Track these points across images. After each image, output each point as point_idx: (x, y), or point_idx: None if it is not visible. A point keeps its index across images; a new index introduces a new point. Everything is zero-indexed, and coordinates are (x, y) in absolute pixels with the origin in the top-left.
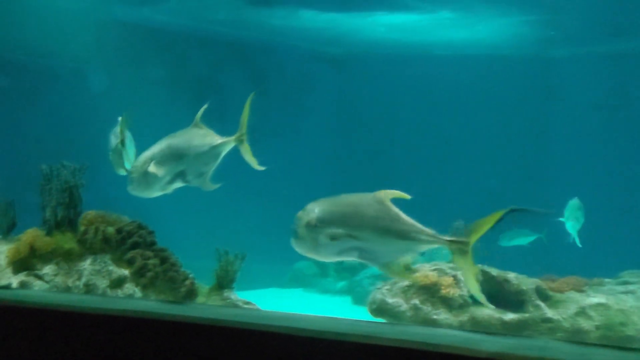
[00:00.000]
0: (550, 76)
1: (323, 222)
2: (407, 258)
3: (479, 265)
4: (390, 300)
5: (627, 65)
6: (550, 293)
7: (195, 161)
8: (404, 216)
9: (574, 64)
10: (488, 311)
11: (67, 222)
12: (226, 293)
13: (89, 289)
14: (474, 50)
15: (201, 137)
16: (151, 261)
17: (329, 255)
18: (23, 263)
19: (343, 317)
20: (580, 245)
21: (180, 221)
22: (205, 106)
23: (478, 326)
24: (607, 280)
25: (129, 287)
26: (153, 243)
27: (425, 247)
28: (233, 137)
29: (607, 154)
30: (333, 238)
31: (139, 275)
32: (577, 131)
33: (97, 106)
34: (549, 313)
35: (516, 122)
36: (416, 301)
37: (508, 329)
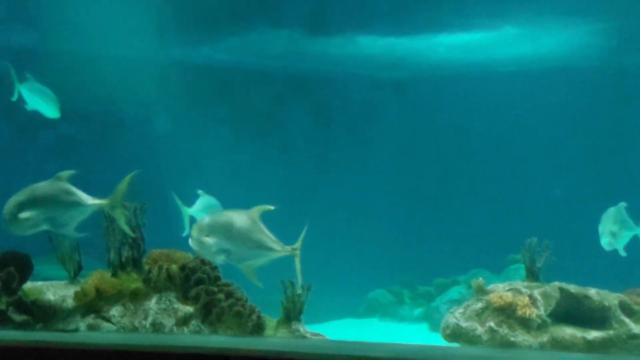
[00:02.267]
0: (622, 85)
1: (205, 230)
2: (479, 279)
3: (557, 283)
4: (464, 324)
5: None
6: (636, 307)
7: (63, 214)
8: (264, 229)
9: None
10: (570, 330)
11: (131, 262)
12: (294, 325)
13: (155, 328)
14: (540, 64)
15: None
16: (217, 297)
17: (208, 255)
18: (90, 306)
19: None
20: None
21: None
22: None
23: (559, 346)
24: None
25: (195, 324)
26: (217, 278)
27: (275, 255)
28: (106, 202)
29: None
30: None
31: (205, 311)
32: None
33: (162, 148)
34: (636, 329)
35: (590, 135)
36: (491, 324)
37: (592, 348)
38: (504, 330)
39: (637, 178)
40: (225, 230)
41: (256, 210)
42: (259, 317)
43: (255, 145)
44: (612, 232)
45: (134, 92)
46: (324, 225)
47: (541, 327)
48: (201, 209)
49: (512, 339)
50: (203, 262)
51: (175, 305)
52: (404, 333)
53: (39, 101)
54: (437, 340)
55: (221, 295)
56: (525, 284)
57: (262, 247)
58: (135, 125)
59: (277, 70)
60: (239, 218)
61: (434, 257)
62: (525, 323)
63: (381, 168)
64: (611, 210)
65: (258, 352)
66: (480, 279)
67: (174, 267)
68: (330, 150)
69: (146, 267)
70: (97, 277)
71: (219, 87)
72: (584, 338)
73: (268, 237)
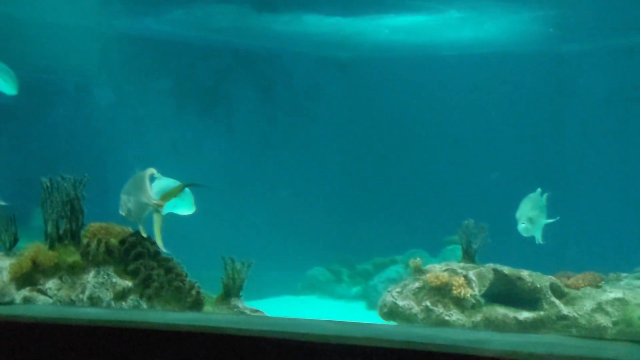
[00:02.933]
0: (560, 72)
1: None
2: (416, 259)
3: (491, 264)
4: (401, 302)
5: (638, 58)
6: (566, 290)
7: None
8: (147, 188)
9: (585, 59)
10: (502, 311)
11: (69, 235)
12: (234, 302)
13: (93, 301)
14: (483, 49)
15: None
16: (155, 271)
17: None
18: (26, 278)
19: (352, 320)
20: (541, 242)
21: (187, 230)
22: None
23: (492, 326)
24: (624, 275)
25: (134, 299)
26: (157, 253)
27: (147, 208)
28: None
29: (621, 148)
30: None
31: (143, 286)
32: (590, 127)
33: (102, 120)
34: (565, 310)
35: (527, 120)
36: (427, 303)
37: (523, 328)
38: (439, 309)
39: (571, 163)
40: (126, 190)
41: (145, 172)
42: (198, 293)
43: (198, 120)
44: (529, 218)
45: (75, 62)
46: (265, 202)
47: (475, 306)
48: (157, 191)
49: (446, 317)
50: (143, 236)
51: (114, 280)
52: (341, 311)
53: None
54: (374, 318)
55: (160, 270)
56: (461, 264)
57: (140, 201)
58: (75, 96)
59: (222, 45)
60: (134, 180)
61: (373, 236)
62: (460, 303)
63: (323, 146)
64: (530, 197)
65: (196, 328)
66: (418, 259)
67: (113, 241)
68: (274, 126)
69: (84, 241)
70: (33, 250)
71: (162, 59)
72: (515, 318)
73: (145, 193)
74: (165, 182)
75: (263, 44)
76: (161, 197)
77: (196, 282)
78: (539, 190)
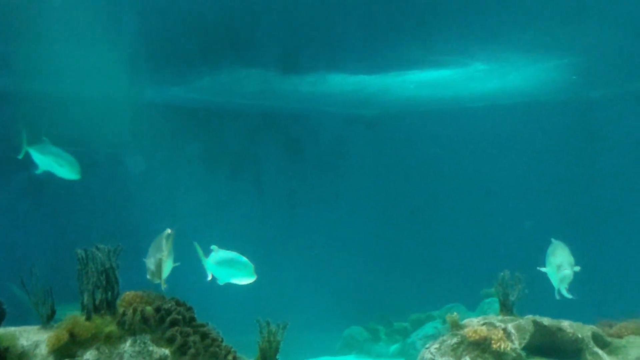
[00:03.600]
0: (588, 118)
1: None
2: (454, 313)
3: (530, 316)
4: (440, 359)
5: None
6: (609, 339)
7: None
8: (163, 246)
9: (613, 104)
10: None
11: (105, 305)
12: None
13: None
14: (509, 99)
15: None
16: (191, 338)
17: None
18: (64, 350)
19: None
20: (569, 296)
21: (221, 294)
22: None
23: None
24: None
25: None
26: (192, 319)
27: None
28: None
29: None
30: None
31: (180, 353)
32: (622, 172)
33: (135, 188)
34: None
35: (557, 167)
36: (467, 358)
37: None
38: None
39: (604, 209)
40: (149, 253)
41: (164, 233)
42: (234, 358)
43: (228, 182)
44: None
45: (106, 133)
46: (298, 262)
47: None
48: (214, 263)
49: None
50: (178, 303)
51: (150, 348)
52: None
53: (52, 164)
54: None
55: (196, 337)
56: (500, 317)
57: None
58: (108, 166)
59: (249, 108)
60: (155, 242)
61: (409, 292)
62: (500, 357)
63: (354, 203)
64: (557, 244)
65: None
66: (455, 313)
67: (149, 309)
68: (303, 185)
69: (120, 310)
70: (70, 321)
71: (191, 125)
72: None
73: (161, 251)
74: (223, 254)
75: (289, 105)
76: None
77: (232, 347)
78: (556, 241)
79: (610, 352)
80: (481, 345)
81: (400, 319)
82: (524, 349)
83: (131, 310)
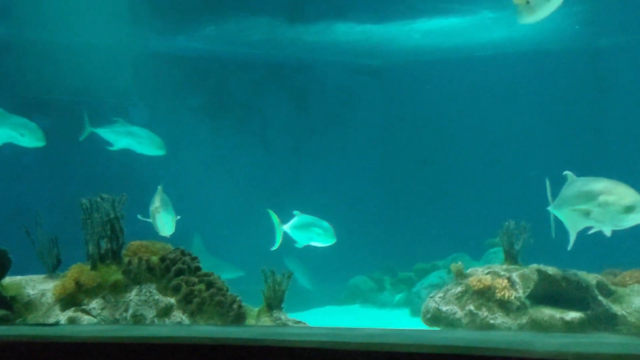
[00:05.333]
0: (596, 67)
1: None
2: (458, 263)
3: (535, 265)
4: (444, 308)
5: None
6: (613, 288)
7: None
8: (156, 199)
9: (620, 53)
10: (548, 312)
11: (110, 254)
12: (276, 314)
13: (136, 319)
14: (516, 48)
15: None
16: (197, 287)
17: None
18: (70, 299)
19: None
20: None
21: (228, 244)
22: None
23: (538, 328)
24: None
25: (177, 315)
26: (198, 269)
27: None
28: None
29: None
30: None
31: (185, 302)
32: (630, 120)
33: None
34: (613, 308)
35: (565, 117)
36: (471, 307)
37: (571, 328)
38: (483, 313)
39: (611, 159)
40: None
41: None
42: (240, 307)
43: (234, 134)
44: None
45: (110, 83)
46: (305, 211)
47: (520, 309)
48: (295, 227)
49: (491, 321)
50: (183, 252)
51: (156, 297)
52: (385, 318)
53: (131, 142)
54: (418, 325)
55: (202, 286)
56: (504, 267)
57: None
58: (111, 116)
59: (254, 58)
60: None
61: (414, 242)
62: (504, 305)
63: (360, 154)
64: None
65: (240, 341)
66: (460, 263)
67: (154, 259)
68: (310, 137)
69: (126, 259)
70: (76, 270)
71: (196, 76)
72: (562, 319)
73: (153, 203)
74: (303, 219)
75: (295, 54)
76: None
77: (237, 296)
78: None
79: (614, 301)
80: (485, 294)
81: (405, 268)
82: (528, 297)
83: (136, 260)
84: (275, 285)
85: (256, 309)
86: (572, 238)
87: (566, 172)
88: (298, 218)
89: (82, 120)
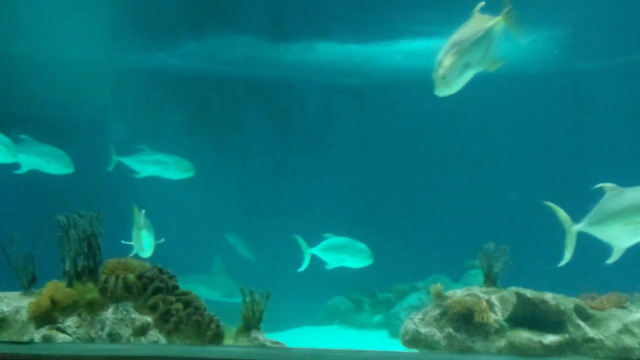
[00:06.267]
0: (578, 90)
1: None
2: (438, 285)
3: (514, 288)
4: (423, 330)
5: None
6: (591, 311)
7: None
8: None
9: (602, 76)
10: (526, 335)
11: (87, 272)
12: (254, 334)
13: (112, 338)
14: (497, 70)
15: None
16: (174, 306)
17: None
18: (45, 317)
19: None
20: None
21: (206, 264)
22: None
23: (516, 351)
24: None
25: (153, 334)
26: (175, 287)
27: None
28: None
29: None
30: None
31: (162, 321)
32: (610, 144)
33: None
34: (591, 332)
35: (545, 139)
36: (450, 329)
37: (549, 352)
38: (462, 335)
39: (591, 182)
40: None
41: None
42: (218, 326)
43: (213, 151)
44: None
45: (88, 98)
46: (282, 231)
47: (499, 332)
48: (324, 249)
49: (470, 344)
50: (161, 270)
51: (133, 315)
52: (363, 340)
53: (157, 169)
54: (396, 347)
55: (179, 305)
56: (483, 289)
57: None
58: (89, 132)
59: (235, 76)
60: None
61: (393, 263)
62: (483, 328)
63: (339, 173)
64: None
65: None
66: (439, 284)
67: (131, 277)
68: (289, 155)
69: (102, 277)
70: (51, 288)
71: (176, 92)
72: (540, 342)
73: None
74: (335, 240)
75: (276, 73)
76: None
77: (215, 316)
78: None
79: (592, 325)
80: (464, 316)
81: (384, 290)
82: (506, 320)
83: (113, 278)
84: (254, 305)
85: (234, 329)
86: (617, 255)
87: (603, 185)
88: (329, 240)
89: (108, 150)
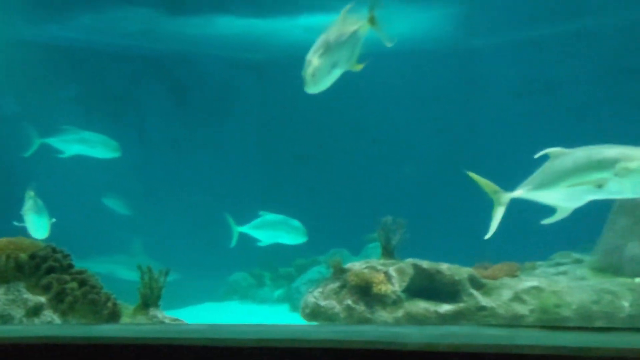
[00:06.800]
0: (472, 67)
1: None
2: (337, 258)
3: (411, 260)
4: (322, 302)
5: (546, 50)
6: (484, 281)
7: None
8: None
9: (496, 53)
10: (423, 305)
11: None
12: (152, 312)
13: (4, 319)
14: (395, 46)
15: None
16: (69, 285)
17: None
18: None
19: (270, 323)
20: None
21: (104, 241)
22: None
23: (414, 321)
24: (539, 263)
25: (47, 315)
26: (70, 266)
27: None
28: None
29: (529, 140)
30: None
31: (57, 300)
32: (501, 119)
33: (7, 130)
34: (484, 301)
35: (440, 115)
36: (349, 301)
37: (444, 320)
38: (360, 307)
39: (484, 156)
40: None
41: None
42: (114, 305)
43: (109, 126)
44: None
45: None
46: (182, 208)
47: (396, 302)
48: (256, 226)
49: (368, 315)
50: (54, 249)
51: (25, 296)
52: (264, 314)
53: (83, 148)
54: (297, 320)
55: (74, 284)
56: (381, 261)
57: None
58: None
59: (132, 50)
60: None
61: None
62: (381, 299)
63: (240, 149)
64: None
65: (114, 340)
66: (338, 258)
67: (23, 256)
68: (187, 130)
69: None
70: None
71: (69, 66)
72: (436, 312)
73: None
74: (268, 218)
75: (175, 47)
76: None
77: (112, 294)
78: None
79: (485, 293)
80: (363, 288)
81: (285, 264)
82: (404, 291)
83: (4, 258)
84: (152, 282)
85: (132, 307)
86: (560, 216)
87: (550, 150)
88: (261, 218)
89: (28, 133)
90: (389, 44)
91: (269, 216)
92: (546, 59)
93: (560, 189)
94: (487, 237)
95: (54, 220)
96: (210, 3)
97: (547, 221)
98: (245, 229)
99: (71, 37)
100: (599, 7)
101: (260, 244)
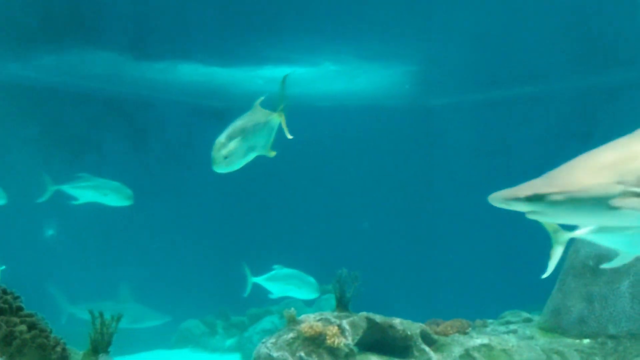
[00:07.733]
0: (429, 124)
1: None
2: (291, 309)
3: (364, 313)
4: (275, 354)
5: (503, 112)
6: (435, 337)
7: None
8: None
9: (452, 112)
10: (375, 359)
11: None
12: (102, 358)
13: None
14: (355, 101)
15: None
16: (18, 328)
17: None
18: None
19: None
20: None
21: (58, 283)
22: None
23: None
24: (490, 321)
25: None
26: (20, 309)
27: None
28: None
29: (484, 199)
30: None
31: (4, 343)
32: (457, 177)
33: None
34: (435, 357)
35: (396, 170)
36: (302, 353)
37: None
38: (313, 359)
39: (439, 213)
40: None
41: None
42: (63, 349)
43: (66, 168)
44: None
45: None
46: (138, 252)
47: (348, 355)
48: (269, 279)
49: None
50: (5, 291)
51: None
52: None
53: (96, 195)
54: None
55: (23, 327)
56: (335, 314)
57: None
58: None
59: (93, 92)
60: None
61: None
62: (333, 352)
63: (198, 196)
64: None
65: None
66: (292, 309)
67: None
68: (147, 174)
69: None
70: None
71: (29, 106)
72: None
73: None
74: (282, 272)
75: (136, 91)
76: None
77: (61, 339)
78: None
79: (436, 349)
80: (316, 340)
81: (239, 313)
82: (356, 344)
83: None
84: (103, 328)
85: (81, 352)
86: (620, 262)
87: None
88: (276, 271)
89: (43, 180)
90: (289, 137)
91: (282, 270)
92: (502, 121)
93: (627, 232)
94: (544, 276)
95: (3, 267)
96: (174, 49)
97: (606, 266)
98: (260, 280)
99: (32, 77)
100: (552, 73)
101: (271, 296)
